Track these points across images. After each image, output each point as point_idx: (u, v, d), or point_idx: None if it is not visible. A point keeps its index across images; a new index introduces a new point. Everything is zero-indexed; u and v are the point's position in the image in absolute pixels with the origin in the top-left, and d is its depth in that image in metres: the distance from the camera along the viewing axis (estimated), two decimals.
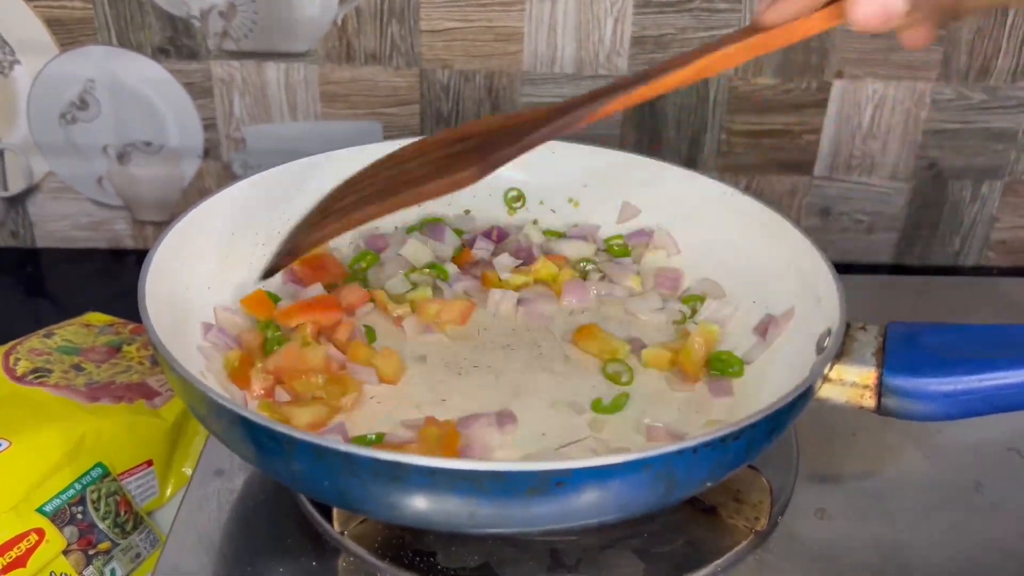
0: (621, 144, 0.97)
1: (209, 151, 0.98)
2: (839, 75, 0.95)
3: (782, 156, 0.99)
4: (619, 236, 0.80)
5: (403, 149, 0.65)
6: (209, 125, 0.96)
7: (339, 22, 0.92)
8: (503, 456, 0.60)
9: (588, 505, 0.51)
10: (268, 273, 0.63)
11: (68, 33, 0.92)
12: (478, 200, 0.82)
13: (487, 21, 0.92)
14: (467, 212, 0.83)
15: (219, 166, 0.98)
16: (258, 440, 0.51)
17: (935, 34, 0.56)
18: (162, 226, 0.63)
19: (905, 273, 1.03)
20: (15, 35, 0.92)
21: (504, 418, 0.63)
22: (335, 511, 0.59)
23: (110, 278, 1.00)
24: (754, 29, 0.55)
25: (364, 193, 0.61)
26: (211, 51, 0.93)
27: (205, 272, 0.68)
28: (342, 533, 0.59)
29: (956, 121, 0.97)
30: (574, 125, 0.58)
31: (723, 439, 0.52)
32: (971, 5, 0.57)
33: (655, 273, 0.77)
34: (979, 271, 1.05)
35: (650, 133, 0.98)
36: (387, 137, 0.97)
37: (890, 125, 0.97)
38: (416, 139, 0.63)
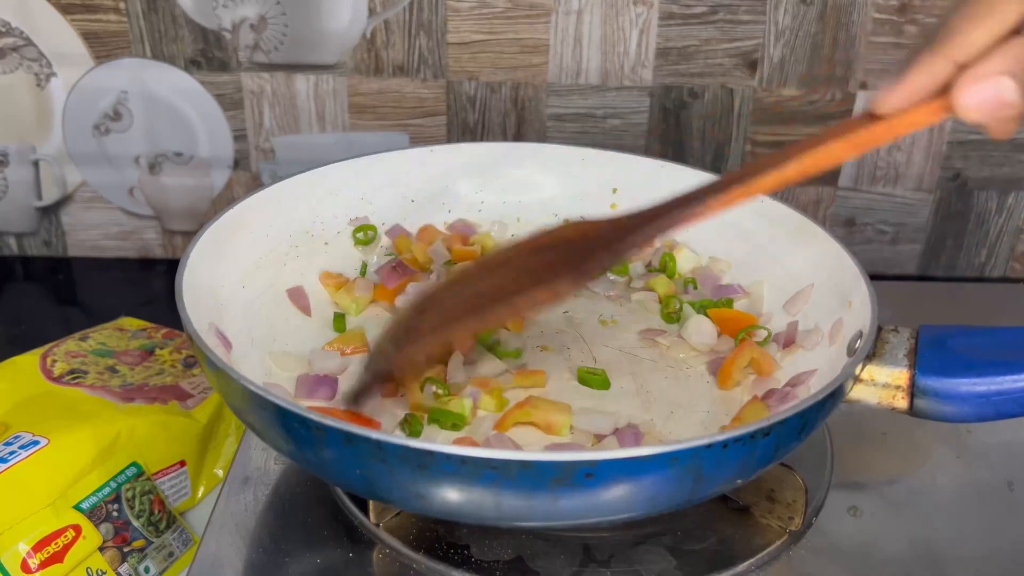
0: (646, 155, 0.98)
1: (239, 161, 0.99)
2: (863, 86, 0.96)
3: None
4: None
5: (489, 258, 0.63)
6: (239, 136, 0.98)
7: (368, 35, 0.93)
8: None
9: (615, 499, 0.51)
10: (358, 396, 0.61)
11: (104, 46, 0.93)
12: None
13: (514, 34, 0.94)
14: None
15: (248, 176, 0.99)
16: (291, 427, 0.52)
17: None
18: (191, 236, 0.64)
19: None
20: (53, 48, 0.94)
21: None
22: (371, 503, 0.59)
23: (139, 286, 1.01)
24: (862, 121, 0.52)
25: (453, 307, 0.59)
26: (242, 63, 0.95)
27: (239, 270, 0.69)
28: (377, 525, 0.59)
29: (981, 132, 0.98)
30: (670, 228, 0.56)
31: (752, 435, 0.52)
32: None
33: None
34: (1005, 283, 1.05)
35: (675, 145, 0.99)
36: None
37: (914, 136, 0.98)
38: (504, 247, 0.61)
